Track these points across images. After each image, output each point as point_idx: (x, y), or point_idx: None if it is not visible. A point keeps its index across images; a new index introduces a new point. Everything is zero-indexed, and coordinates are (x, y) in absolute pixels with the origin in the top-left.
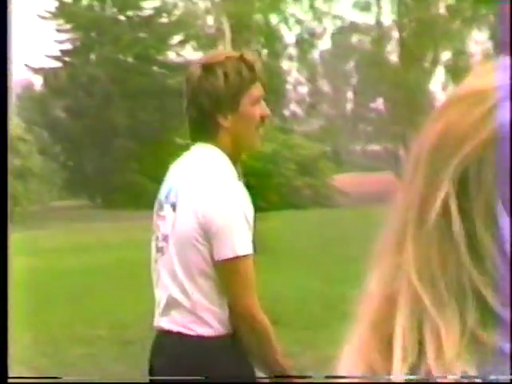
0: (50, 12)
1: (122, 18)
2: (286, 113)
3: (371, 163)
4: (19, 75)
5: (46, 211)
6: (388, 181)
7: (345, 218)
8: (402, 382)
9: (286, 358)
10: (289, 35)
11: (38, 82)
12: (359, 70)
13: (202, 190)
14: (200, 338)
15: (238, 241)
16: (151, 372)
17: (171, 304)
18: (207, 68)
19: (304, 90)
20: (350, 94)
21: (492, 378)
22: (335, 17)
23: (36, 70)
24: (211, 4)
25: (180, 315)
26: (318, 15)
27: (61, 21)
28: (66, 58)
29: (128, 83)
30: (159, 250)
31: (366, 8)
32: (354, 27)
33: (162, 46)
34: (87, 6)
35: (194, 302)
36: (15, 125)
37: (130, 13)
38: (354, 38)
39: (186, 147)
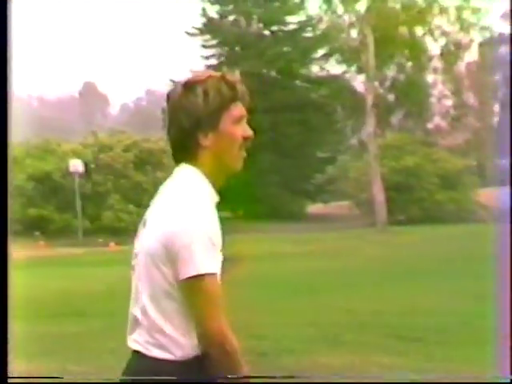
0: (197, 28)
1: (266, 32)
2: (430, 126)
3: None
4: (166, 90)
5: None
6: None
7: (488, 234)
8: (403, 382)
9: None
10: (434, 47)
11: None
12: (506, 82)
13: (168, 209)
14: (155, 359)
15: (201, 259)
16: None
17: (134, 322)
18: (188, 86)
19: (449, 102)
20: (496, 107)
21: (492, 378)
22: (483, 28)
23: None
24: (356, 17)
25: (139, 334)
26: (465, 26)
27: (207, 36)
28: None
29: (271, 97)
30: (132, 267)
31: None
32: (502, 39)
33: (306, 59)
34: (233, 22)
35: (153, 323)
36: (158, 138)
37: (274, 28)
38: (502, 50)
39: (329, 160)
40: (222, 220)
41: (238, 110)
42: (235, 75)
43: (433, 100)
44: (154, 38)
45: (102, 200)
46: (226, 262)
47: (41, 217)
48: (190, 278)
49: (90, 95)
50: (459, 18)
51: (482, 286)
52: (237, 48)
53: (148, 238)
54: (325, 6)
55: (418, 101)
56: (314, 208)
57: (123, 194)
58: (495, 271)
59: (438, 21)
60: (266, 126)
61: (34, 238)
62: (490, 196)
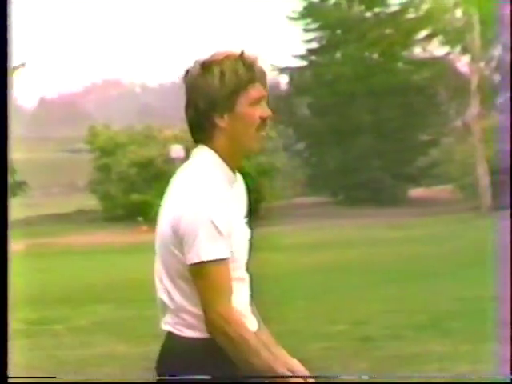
0: (298, 12)
1: (368, 15)
2: None
3: None
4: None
5: (289, 207)
6: None
7: None
8: (403, 382)
9: (281, 361)
10: None
11: (284, 81)
12: None
13: (179, 193)
14: (186, 338)
15: (202, 246)
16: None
17: (162, 306)
18: (205, 67)
19: None
20: None
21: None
22: None
23: (282, 70)
24: None
25: (169, 316)
26: None
27: (308, 20)
28: (312, 57)
29: (372, 80)
30: (155, 252)
31: None
32: None
33: (408, 41)
34: (334, 5)
35: (177, 304)
36: None
37: (376, 9)
38: None
39: (432, 143)
40: (323, 205)
41: (256, 91)
42: (253, 55)
43: None
44: (256, 23)
45: None
46: (324, 247)
47: (143, 202)
48: (192, 264)
49: None
50: None
51: None
52: (338, 31)
53: (161, 223)
54: None
55: None
56: (416, 192)
57: None
58: None
59: None
60: (367, 109)
61: (136, 223)
62: None
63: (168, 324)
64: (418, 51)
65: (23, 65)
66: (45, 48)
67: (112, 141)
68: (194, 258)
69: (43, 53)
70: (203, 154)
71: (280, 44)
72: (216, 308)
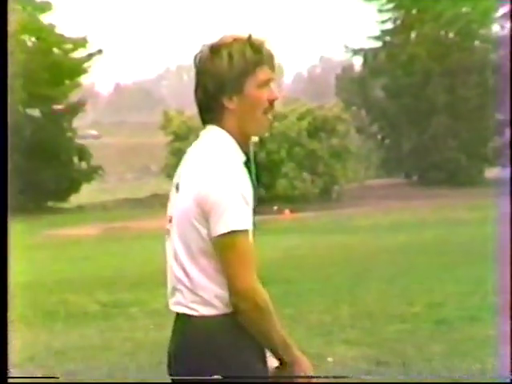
0: None
1: None
2: None
3: None
4: (340, 57)
5: (363, 189)
6: None
7: None
8: (404, 382)
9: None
10: None
11: (357, 62)
12: None
13: (200, 169)
14: (203, 317)
15: (233, 216)
16: (169, 355)
17: (175, 285)
18: (214, 50)
19: None
20: None
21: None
22: None
23: (356, 51)
24: None
25: (182, 296)
26: None
27: (383, 1)
28: (387, 38)
29: (448, 60)
30: (167, 232)
31: None
32: None
33: (486, 19)
34: None
35: (195, 282)
36: (334, 104)
37: None
38: None
39: (508, 122)
40: (397, 186)
41: (264, 73)
42: (261, 38)
43: None
44: (329, 4)
45: (276, 168)
46: (398, 228)
47: None
48: (221, 234)
49: None
50: None
51: None
52: (413, 11)
53: (182, 200)
54: None
55: None
56: (491, 172)
57: (297, 162)
58: None
59: None
60: (442, 89)
61: None
62: None
63: (180, 304)
64: (495, 29)
65: (100, 51)
66: (120, 35)
67: (185, 125)
68: (222, 228)
69: (119, 40)
70: (215, 133)
71: (354, 25)
72: (245, 279)
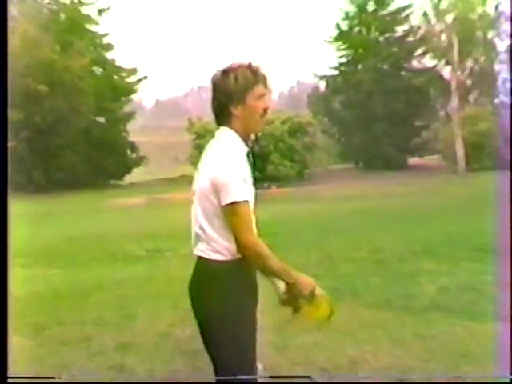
0: (332, 37)
1: (381, 39)
2: (496, 101)
3: None
4: (310, 80)
5: (326, 172)
6: None
7: None
8: (404, 382)
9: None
10: (501, 45)
11: (322, 85)
12: None
13: (213, 157)
14: (214, 261)
15: (235, 191)
16: (190, 282)
17: (196, 237)
18: (224, 73)
19: (510, 84)
20: None
21: (492, 377)
22: None
23: (321, 77)
24: (445, 26)
25: (201, 245)
26: None
27: (340, 43)
28: (342, 68)
29: (384, 83)
30: (192, 201)
31: None
32: None
33: (409, 56)
34: (358, 32)
35: (209, 236)
36: (306, 114)
37: (387, 35)
38: None
39: (424, 127)
40: (349, 170)
41: (260, 89)
42: (258, 65)
43: (498, 83)
44: (303, 44)
45: (266, 157)
46: (350, 199)
47: None
48: (227, 204)
49: None
50: None
51: None
52: (360, 50)
53: (202, 179)
54: (422, 19)
55: (488, 84)
56: (413, 161)
57: (281, 153)
58: None
59: (504, 27)
60: (380, 104)
61: None
62: None
63: (200, 251)
64: (415, 63)
65: (145, 77)
66: (159, 64)
67: (203, 128)
68: (228, 200)
69: (158, 67)
70: (226, 132)
71: (320, 58)
72: (246, 236)
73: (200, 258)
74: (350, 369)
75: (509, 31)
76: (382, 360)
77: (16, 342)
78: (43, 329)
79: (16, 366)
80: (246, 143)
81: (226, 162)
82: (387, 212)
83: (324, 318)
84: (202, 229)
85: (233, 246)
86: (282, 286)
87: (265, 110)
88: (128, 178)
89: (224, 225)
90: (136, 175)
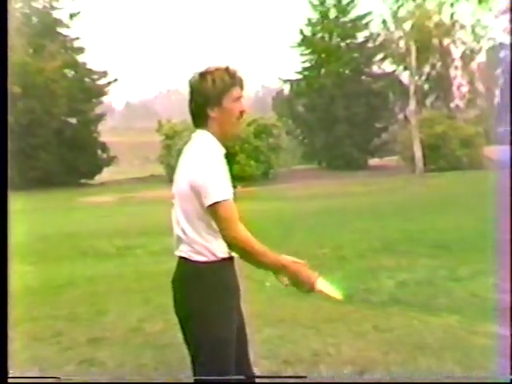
0: (296, 43)
1: (343, 44)
2: (452, 105)
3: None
4: (274, 84)
5: (290, 172)
6: None
7: (491, 178)
8: (404, 382)
9: (279, 257)
10: (456, 52)
11: (286, 88)
12: (505, 74)
13: (191, 160)
14: (195, 262)
15: (215, 192)
16: (172, 281)
17: (178, 239)
18: (202, 75)
19: (464, 89)
20: (497, 92)
21: (492, 377)
22: (490, 39)
23: (285, 81)
24: (403, 33)
25: (183, 247)
26: (477, 38)
27: (303, 48)
28: (306, 72)
29: (346, 88)
30: (172, 204)
31: None
32: (502, 46)
33: (369, 62)
34: (320, 38)
35: (190, 238)
36: (271, 116)
37: (348, 41)
38: (502, 54)
39: (383, 129)
40: (312, 170)
41: (237, 92)
42: (235, 68)
43: (454, 88)
44: (268, 50)
45: (232, 158)
46: (313, 198)
47: None
48: (210, 205)
49: None
50: (473, 32)
51: (482, 209)
52: (323, 55)
53: (181, 182)
54: (382, 26)
55: (444, 89)
56: (373, 161)
57: (247, 154)
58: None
59: (459, 34)
60: (342, 107)
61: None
62: (493, 152)
63: (182, 252)
64: (375, 69)
65: (115, 80)
66: (129, 66)
67: (172, 129)
68: (209, 200)
69: (128, 70)
70: (204, 135)
71: (285, 63)
72: (232, 234)
73: (182, 258)
74: (314, 362)
75: (463, 39)
76: (344, 353)
77: None
78: (15, 325)
79: None
80: (224, 144)
81: (203, 164)
82: (349, 210)
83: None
84: (183, 231)
85: (213, 247)
86: (284, 278)
87: (241, 113)
88: (99, 178)
89: (205, 226)
90: (107, 174)
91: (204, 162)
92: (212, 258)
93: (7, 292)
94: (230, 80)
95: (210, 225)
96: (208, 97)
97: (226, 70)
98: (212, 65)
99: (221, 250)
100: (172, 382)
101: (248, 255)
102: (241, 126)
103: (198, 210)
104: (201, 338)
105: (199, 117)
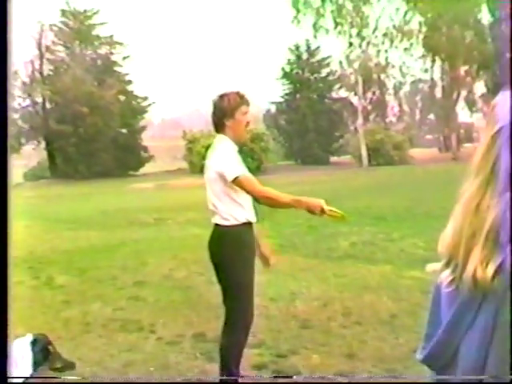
0: (279, 76)
1: (312, 77)
2: (387, 120)
3: (428, 143)
4: (264, 105)
5: (275, 167)
6: (435, 153)
7: (415, 171)
8: (403, 382)
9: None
10: (389, 84)
11: (273, 107)
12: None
13: (215, 154)
14: (224, 226)
15: (234, 170)
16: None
17: (211, 212)
18: (221, 97)
19: (396, 109)
20: (417, 112)
21: (492, 378)
22: (412, 75)
23: (272, 102)
24: (353, 70)
25: (215, 216)
26: (403, 74)
27: (284, 80)
28: (286, 97)
29: (314, 108)
30: (205, 188)
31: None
32: (420, 80)
33: (330, 90)
34: (296, 73)
35: (219, 209)
36: (262, 127)
37: (315, 75)
38: (420, 86)
39: (340, 137)
40: (291, 165)
41: (244, 108)
42: (244, 93)
43: (388, 109)
44: (260, 80)
45: None
46: (290, 186)
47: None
48: (233, 180)
49: None
50: (401, 71)
51: (408, 191)
52: (298, 85)
53: (209, 171)
54: (339, 65)
55: (381, 109)
56: (333, 159)
57: (245, 154)
58: (416, 187)
59: (391, 72)
60: (311, 121)
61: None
62: (416, 153)
63: (215, 220)
64: (334, 94)
65: (154, 103)
66: (161, 88)
67: (193, 137)
68: (231, 177)
69: (162, 91)
70: (222, 138)
71: (272, 90)
72: (256, 192)
73: (216, 224)
74: (291, 299)
75: (394, 75)
76: (312, 292)
77: None
78: (84, 272)
79: None
80: (237, 145)
81: (223, 156)
82: (316, 193)
83: (341, 219)
84: (213, 205)
85: (236, 214)
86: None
87: (247, 123)
88: (142, 170)
89: (229, 200)
90: (147, 168)
91: (224, 154)
92: (235, 223)
93: (7, 292)
94: (240, 100)
95: (233, 198)
96: (225, 111)
97: (237, 93)
98: (227, 90)
99: (242, 216)
100: (174, 382)
101: (272, 201)
102: (247, 132)
103: (223, 189)
104: (228, 280)
105: (219, 125)
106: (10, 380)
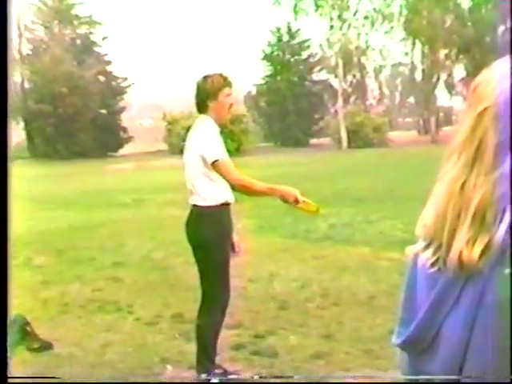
0: (260, 58)
1: (292, 59)
2: (367, 103)
3: (407, 126)
4: (245, 87)
5: (255, 148)
6: (414, 136)
7: (395, 154)
8: (403, 382)
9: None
10: (369, 67)
11: (253, 89)
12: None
13: (196, 136)
14: (202, 207)
15: (214, 153)
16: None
17: (190, 192)
18: (204, 78)
19: (376, 92)
20: (397, 95)
21: (492, 378)
22: (392, 58)
23: (253, 84)
24: (334, 52)
25: (193, 197)
26: (383, 57)
27: (265, 61)
28: (266, 79)
29: (294, 90)
30: (183, 168)
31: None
32: (400, 63)
33: (310, 72)
34: (276, 55)
35: (197, 189)
36: (242, 109)
37: (296, 57)
38: (400, 69)
39: (320, 119)
40: (271, 147)
41: (227, 90)
42: (227, 74)
43: (368, 91)
44: (241, 61)
45: None
46: (270, 167)
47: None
48: (213, 162)
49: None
50: (381, 53)
51: (386, 173)
52: (278, 67)
53: (189, 151)
54: (319, 47)
55: (361, 91)
56: (313, 141)
57: (225, 135)
58: (397, 170)
59: (371, 54)
60: (291, 103)
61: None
62: (395, 136)
63: (193, 200)
64: (314, 77)
65: (133, 83)
66: (141, 69)
67: (173, 118)
68: (211, 159)
69: (141, 72)
70: (205, 118)
71: (252, 72)
72: (231, 177)
73: (193, 205)
74: (269, 280)
75: (374, 58)
76: (291, 273)
77: None
78: (63, 251)
79: None
80: (219, 126)
81: (204, 137)
82: (296, 175)
83: (313, 212)
84: (192, 185)
85: (214, 195)
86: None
87: (230, 105)
88: (121, 151)
89: (207, 180)
90: (126, 149)
91: (206, 136)
92: (213, 203)
93: (7, 292)
94: (223, 82)
95: (211, 179)
96: (208, 93)
97: (221, 75)
98: (208, 72)
99: (221, 197)
100: (174, 382)
101: (247, 189)
102: (230, 114)
103: (203, 170)
104: (205, 261)
105: (202, 106)
106: (9, 380)
